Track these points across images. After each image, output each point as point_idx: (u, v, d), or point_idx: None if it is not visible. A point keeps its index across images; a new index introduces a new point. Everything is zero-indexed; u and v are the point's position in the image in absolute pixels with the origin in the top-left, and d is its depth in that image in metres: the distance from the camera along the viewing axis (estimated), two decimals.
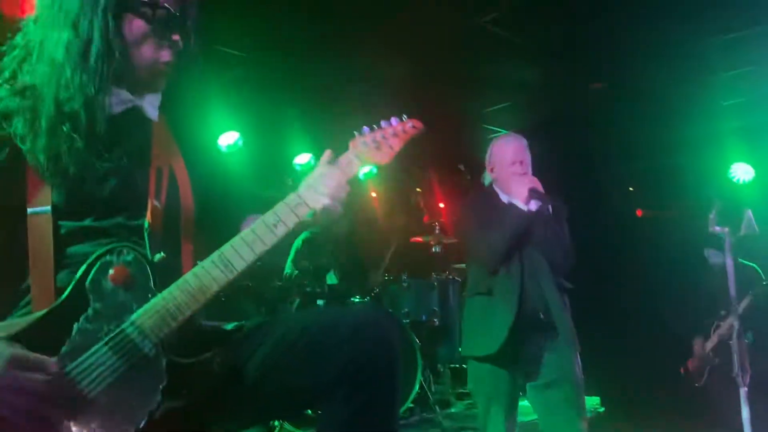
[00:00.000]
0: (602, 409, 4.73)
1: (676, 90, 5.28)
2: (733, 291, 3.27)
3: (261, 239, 1.46)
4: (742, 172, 5.62)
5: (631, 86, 5.28)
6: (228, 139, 5.14)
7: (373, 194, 6.68)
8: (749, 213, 3.28)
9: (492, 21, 4.30)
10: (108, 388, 1.31)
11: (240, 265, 1.44)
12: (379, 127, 1.68)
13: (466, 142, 6.70)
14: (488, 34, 4.46)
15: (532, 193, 2.85)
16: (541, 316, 2.82)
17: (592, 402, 4.89)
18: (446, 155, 6.76)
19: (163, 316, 1.36)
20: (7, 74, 1.45)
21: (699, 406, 4.47)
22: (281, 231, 1.48)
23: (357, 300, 4.85)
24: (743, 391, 3.16)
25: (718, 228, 3.31)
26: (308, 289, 4.53)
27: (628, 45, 4.58)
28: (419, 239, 5.98)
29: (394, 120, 1.69)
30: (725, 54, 4.61)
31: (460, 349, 3.02)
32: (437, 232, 5.79)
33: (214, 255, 1.44)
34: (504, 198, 3.00)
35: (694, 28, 4.29)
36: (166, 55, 1.51)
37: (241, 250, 1.44)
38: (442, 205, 6.86)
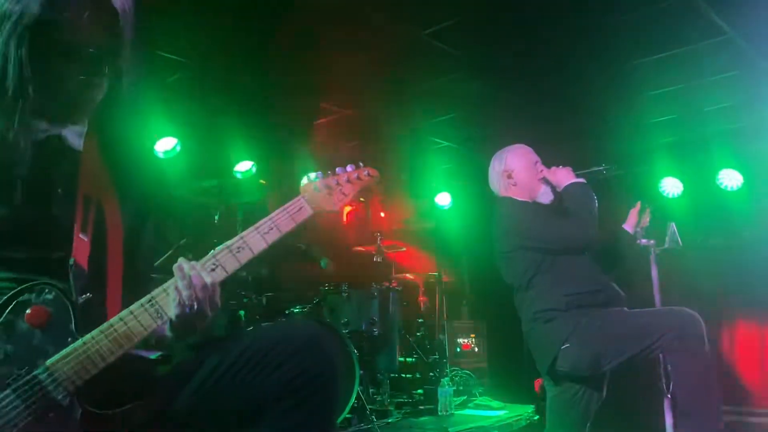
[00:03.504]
0: (537, 417, 4.81)
1: (609, 106, 5.48)
2: (658, 301, 3.40)
3: None
4: (671, 186, 5.84)
5: (570, 101, 5.44)
6: (165, 145, 5.01)
7: None
8: (673, 226, 3.42)
9: (432, 34, 4.37)
10: None
11: (172, 312, 1.34)
12: (333, 173, 1.59)
13: (410, 152, 6.76)
14: (430, 46, 4.53)
15: (570, 175, 3.17)
16: None
17: (528, 410, 4.98)
18: (389, 165, 6.80)
19: (83, 362, 1.24)
20: None
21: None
22: (219, 276, 1.40)
23: (297, 310, 4.81)
24: (667, 400, 3.28)
25: (644, 240, 3.44)
26: (246, 300, 4.46)
27: (566, 60, 4.72)
28: (360, 249, 5.98)
29: (349, 167, 1.61)
30: (654, 73, 4.81)
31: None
32: (379, 242, 5.81)
33: (144, 299, 1.33)
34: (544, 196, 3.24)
35: (624, 48, 4.46)
36: (85, 93, 1.43)
37: (174, 296, 1.34)
38: (383, 215, 6.89)
